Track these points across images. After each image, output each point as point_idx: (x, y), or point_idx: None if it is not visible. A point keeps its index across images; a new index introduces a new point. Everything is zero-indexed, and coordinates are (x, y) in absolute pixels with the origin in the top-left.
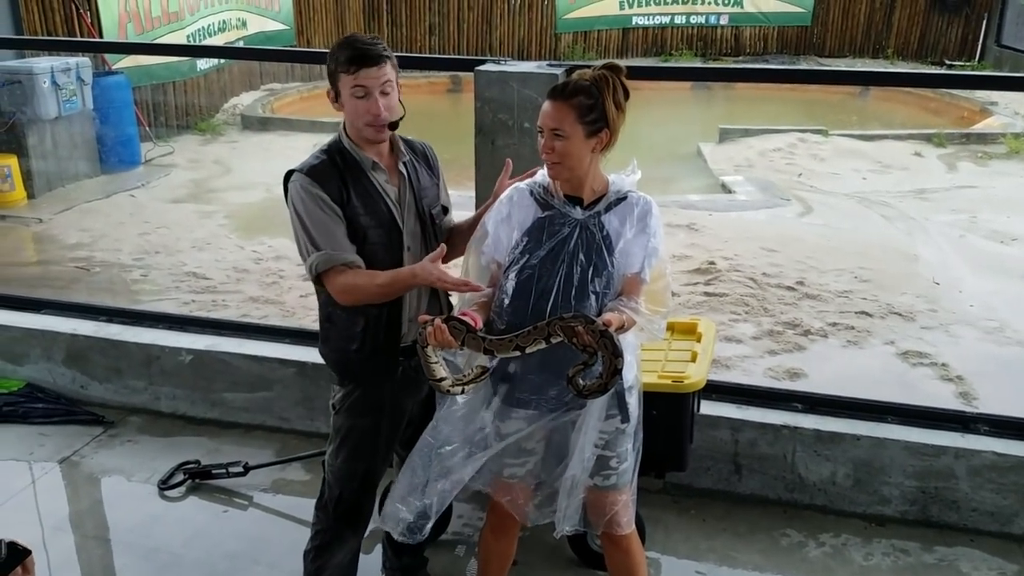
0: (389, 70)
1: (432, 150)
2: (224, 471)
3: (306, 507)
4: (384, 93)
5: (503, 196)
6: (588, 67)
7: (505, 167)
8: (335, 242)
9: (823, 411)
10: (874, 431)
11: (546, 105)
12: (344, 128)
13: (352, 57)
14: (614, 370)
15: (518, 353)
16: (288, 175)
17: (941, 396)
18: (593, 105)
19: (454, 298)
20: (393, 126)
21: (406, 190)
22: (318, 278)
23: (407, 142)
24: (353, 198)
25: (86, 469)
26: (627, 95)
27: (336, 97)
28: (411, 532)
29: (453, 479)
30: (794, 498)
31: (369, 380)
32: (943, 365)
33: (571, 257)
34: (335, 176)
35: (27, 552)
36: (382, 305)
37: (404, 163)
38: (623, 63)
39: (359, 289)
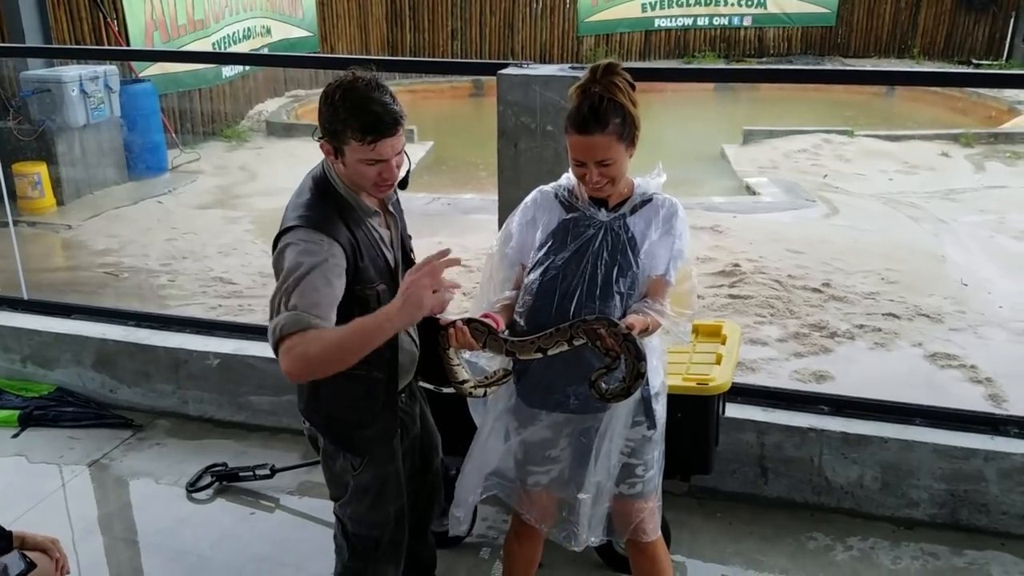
0: (401, 134)
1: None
2: (251, 474)
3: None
4: (398, 155)
5: (527, 199)
6: (582, 69)
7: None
8: (317, 306)
9: (850, 413)
10: (902, 433)
11: (581, 140)
12: (335, 171)
13: (368, 127)
14: (637, 374)
15: (540, 355)
16: (283, 233)
17: (970, 398)
18: (623, 120)
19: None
20: (402, 185)
21: (396, 231)
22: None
23: None
24: (361, 250)
25: (115, 472)
26: (634, 87)
27: (336, 154)
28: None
29: (535, 515)
30: (821, 501)
31: (375, 447)
32: (972, 367)
33: (595, 257)
34: (343, 230)
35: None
36: (384, 365)
37: (393, 203)
38: (643, 65)
39: (306, 360)
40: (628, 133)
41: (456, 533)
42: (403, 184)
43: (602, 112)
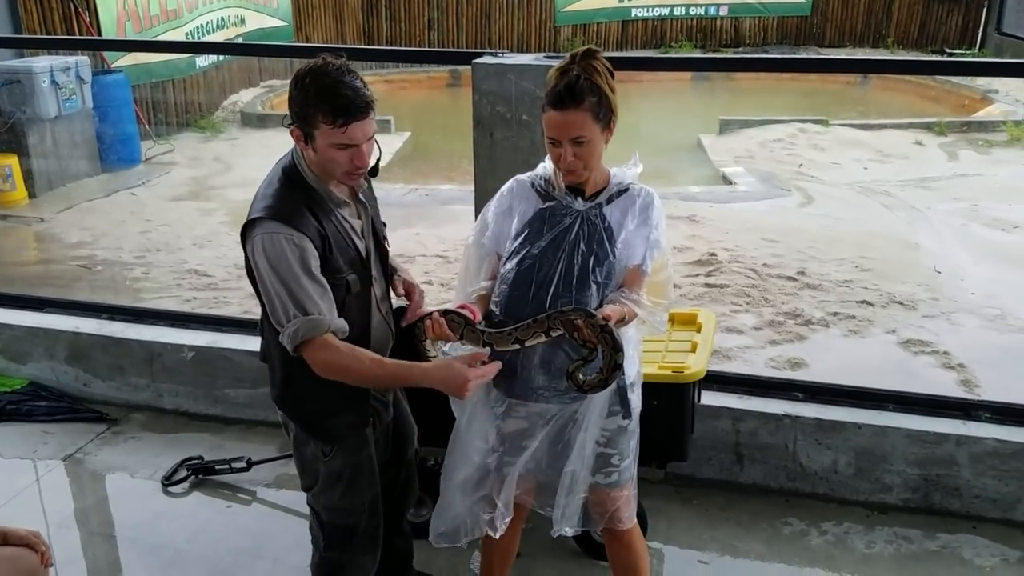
0: (373, 118)
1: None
2: (227, 467)
3: None
4: (369, 140)
5: (504, 188)
6: (558, 58)
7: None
8: (322, 305)
9: (824, 400)
10: (875, 419)
11: (556, 116)
12: (304, 160)
13: (339, 109)
14: (614, 365)
15: (517, 347)
16: (250, 224)
17: (943, 384)
18: (599, 100)
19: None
20: (373, 172)
21: (367, 220)
22: (298, 347)
23: None
24: (330, 241)
25: (90, 466)
26: (612, 74)
27: (307, 140)
28: (450, 540)
29: (504, 500)
30: (796, 487)
31: (346, 436)
32: (945, 353)
33: (572, 247)
34: (311, 221)
35: None
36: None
37: (363, 192)
38: (620, 55)
39: (350, 372)
40: (604, 114)
41: (439, 545)
42: (374, 172)
43: (578, 89)
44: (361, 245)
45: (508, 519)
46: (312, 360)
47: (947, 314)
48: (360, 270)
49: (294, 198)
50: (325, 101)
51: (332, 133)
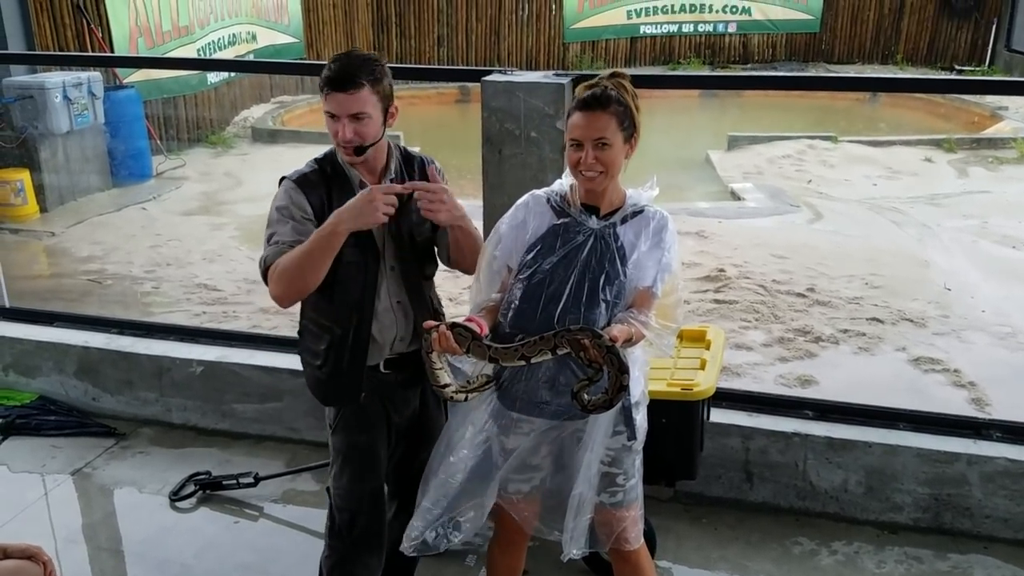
0: (363, 96)
1: (433, 166)
2: (235, 482)
3: (317, 518)
4: (356, 118)
5: (519, 202)
6: (592, 76)
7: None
8: (293, 237)
9: (834, 418)
10: (886, 438)
11: (581, 118)
12: None
13: (326, 78)
14: (620, 386)
15: (523, 363)
16: (281, 181)
17: (953, 402)
18: (625, 111)
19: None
20: (360, 151)
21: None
22: (265, 274)
23: (406, 157)
24: (333, 212)
25: (98, 481)
26: (636, 96)
27: None
28: (426, 547)
29: (476, 504)
30: (806, 506)
31: (335, 400)
32: (955, 371)
33: (584, 264)
34: (321, 187)
35: None
36: (348, 325)
37: (391, 180)
38: (629, 71)
39: (287, 270)
40: (628, 125)
41: (412, 554)
42: (359, 151)
43: (606, 96)
44: (376, 231)
45: (479, 524)
46: (271, 280)
47: (957, 332)
48: (364, 249)
49: (315, 170)
50: (325, 69)
51: (324, 101)
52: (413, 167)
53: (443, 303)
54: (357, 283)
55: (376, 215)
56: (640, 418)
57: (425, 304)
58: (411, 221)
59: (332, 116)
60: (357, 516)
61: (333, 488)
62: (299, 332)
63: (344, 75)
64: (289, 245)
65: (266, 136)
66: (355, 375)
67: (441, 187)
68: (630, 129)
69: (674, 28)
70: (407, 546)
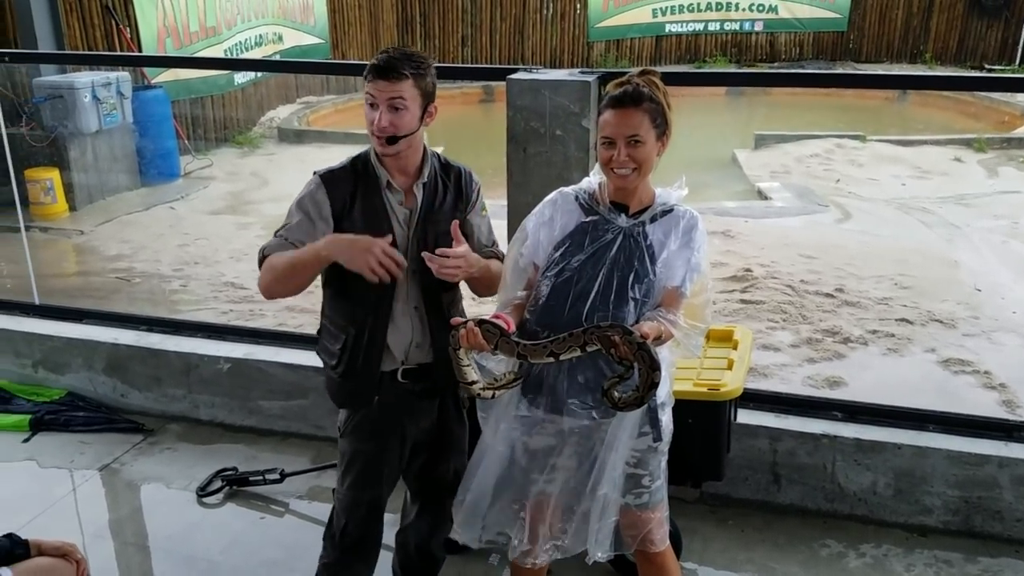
0: (405, 87)
1: (470, 177)
2: (261, 478)
3: None
4: (394, 108)
5: (547, 199)
6: (619, 74)
7: None
8: (297, 235)
9: (863, 420)
10: (915, 440)
11: (614, 115)
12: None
13: (372, 66)
14: (651, 383)
15: (552, 360)
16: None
17: (984, 404)
18: (658, 108)
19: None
20: (391, 140)
21: (417, 213)
22: (261, 261)
23: (444, 165)
24: (356, 211)
25: (126, 476)
26: (667, 94)
27: None
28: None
29: (503, 504)
30: (834, 508)
31: (348, 403)
32: (985, 373)
33: (612, 262)
34: (348, 183)
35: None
36: (363, 327)
37: (423, 184)
38: (658, 70)
39: (269, 270)
40: (660, 123)
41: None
42: (392, 141)
43: (638, 94)
44: (399, 231)
45: (545, 555)
46: (261, 271)
47: (988, 333)
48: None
49: (345, 167)
50: (373, 59)
51: (366, 87)
52: (450, 177)
53: (467, 302)
54: (376, 284)
55: (365, 267)
56: (666, 419)
57: (442, 313)
58: (438, 230)
59: (371, 105)
60: (350, 524)
61: (336, 492)
62: (318, 331)
63: (390, 64)
64: (291, 243)
65: (292, 136)
66: (368, 378)
67: (457, 253)
68: (662, 126)
69: (700, 26)
70: (466, 538)
